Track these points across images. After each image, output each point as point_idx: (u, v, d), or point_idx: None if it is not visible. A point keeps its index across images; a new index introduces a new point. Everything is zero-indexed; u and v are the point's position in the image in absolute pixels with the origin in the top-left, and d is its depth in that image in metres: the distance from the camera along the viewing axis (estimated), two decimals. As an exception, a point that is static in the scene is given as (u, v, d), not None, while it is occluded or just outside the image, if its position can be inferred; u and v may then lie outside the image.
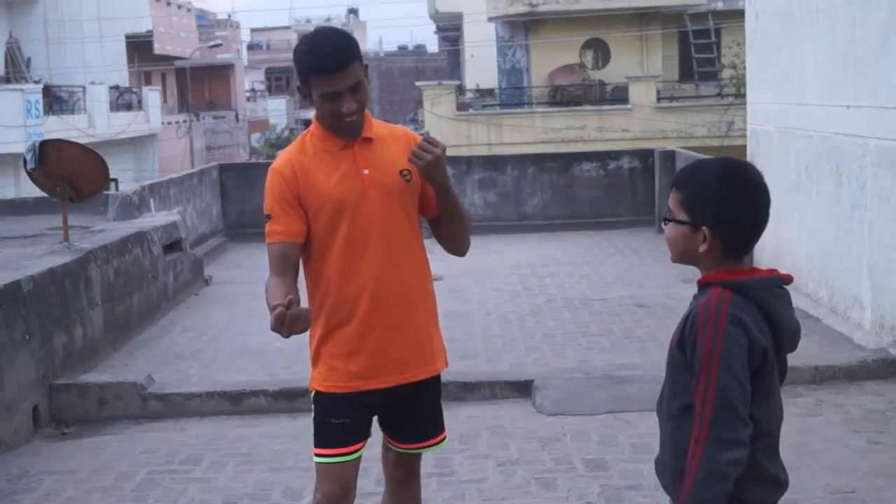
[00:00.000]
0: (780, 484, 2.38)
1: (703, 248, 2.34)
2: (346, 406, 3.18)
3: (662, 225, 2.45)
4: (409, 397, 3.24)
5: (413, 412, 3.28)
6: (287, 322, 2.73)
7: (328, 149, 3.17)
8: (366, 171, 3.15)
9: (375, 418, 3.32)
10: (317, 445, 3.23)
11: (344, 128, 3.13)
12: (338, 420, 3.18)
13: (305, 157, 3.18)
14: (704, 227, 2.33)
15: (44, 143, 8.11)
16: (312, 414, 3.26)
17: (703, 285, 2.38)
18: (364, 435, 3.26)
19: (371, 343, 3.15)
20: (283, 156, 3.24)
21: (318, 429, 3.23)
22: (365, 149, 3.18)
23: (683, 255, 2.41)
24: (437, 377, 3.33)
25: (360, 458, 3.25)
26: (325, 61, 3.05)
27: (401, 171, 3.19)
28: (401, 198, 3.19)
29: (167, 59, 41.09)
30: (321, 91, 3.07)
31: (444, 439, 3.40)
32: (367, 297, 3.13)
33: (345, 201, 3.12)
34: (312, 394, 3.26)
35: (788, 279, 2.40)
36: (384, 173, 3.16)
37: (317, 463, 3.24)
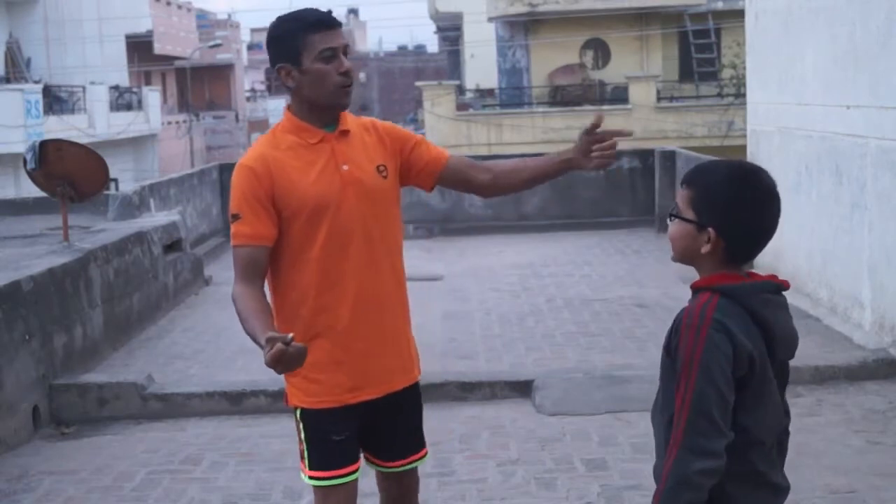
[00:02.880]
0: (781, 490, 2.35)
1: (705, 248, 2.30)
2: (342, 421, 2.96)
3: (668, 221, 2.40)
4: (391, 409, 3.04)
5: (394, 425, 3.08)
6: (285, 361, 2.53)
7: (303, 142, 2.94)
8: (345, 167, 2.93)
9: None
10: (314, 468, 2.97)
11: (342, 97, 2.92)
12: (339, 436, 2.95)
13: (279, 152, 2.92)
14: (710, 229, 2.28)
15: (44, 143, 8.10)
16: (303, 434, 3.00)
17: (696, 289, 2.34)
18: (357, 455, 3.05)
19: (356, 352, 2.95)
20: (253, 151, 2.97)
21: (314, 449, 2.98)
22: (342, 143, 2.96)
23: (685, 254, 2.37)
24: (416, 386, 3.13)
25: (358, 476, 3.04)
26: (322, 16, 2.88)
27: (377, 167, 3.00)
28: (379, 194, 2.99)
29: (167, 59, 41.10)
30: (320, 48, 2.86)
31: (425, 454, 3.20)
32: (349, 304, 2.92)
33: (325, 201, 2.89)
34: (297, 412, 3.01)
35: (785, 285, 2.36)
36: (362, 169, 2.96)
37: (317, 487, 2.98)
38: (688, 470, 2.16)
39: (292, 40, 2.88)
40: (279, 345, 2.50)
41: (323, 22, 2.88)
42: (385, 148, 3.06)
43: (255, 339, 2.73)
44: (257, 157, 2.92)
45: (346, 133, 2.99)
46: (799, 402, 5.89)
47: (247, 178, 2.90)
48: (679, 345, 2.23)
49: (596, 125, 3.08)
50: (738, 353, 2.21)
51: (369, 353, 2.97)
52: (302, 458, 3.03)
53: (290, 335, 2.54)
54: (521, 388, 6.31)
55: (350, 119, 3.04)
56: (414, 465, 3.17)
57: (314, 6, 2.98)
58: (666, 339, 2.30)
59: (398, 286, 3.06)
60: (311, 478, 3.00)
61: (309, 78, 2.89)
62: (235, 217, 2.91)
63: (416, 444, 3.16)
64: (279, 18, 2.96)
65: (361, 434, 3.07)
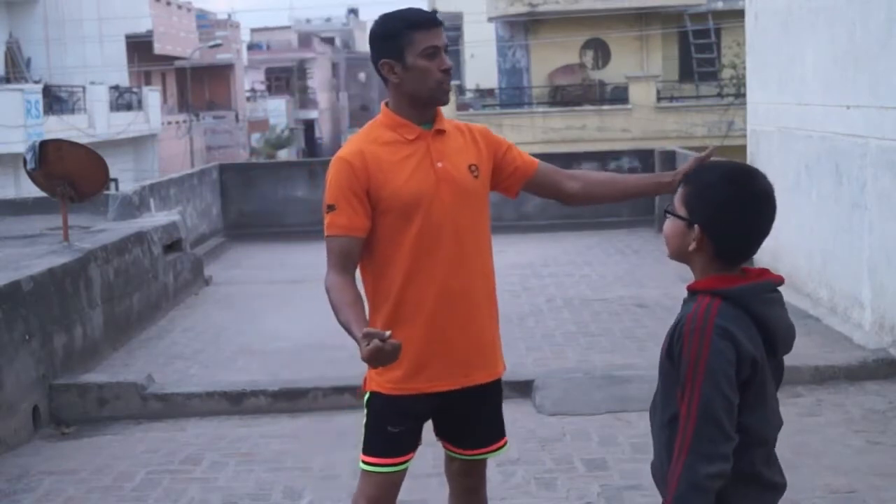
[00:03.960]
0: (778, 488, 2.37)
1: (692, 246, 2.33)
2: (405, 412, 3.05)
3: (665, 216, 2.42)
4: (471, 401, 3.10)
5: (474, 417, 3.14)
6: (381, 357, 2.62)
7: (400, 138, 3.03)
8: (439, 164, 3.02)
9: (429, 428, 3.18)
10: (367, 452, 3.09)
11: (441, 94, 3.02)
12: (394, 428, 3.05)
13: (376, 147, 3.02)
14: (696, 227, 2.31)
15: (44, 143, 8.10)
16: (365, 418, 3.11)
17: (692, 292, 2.36)
18: (416, 444, 3.13)
19: (437, 344, 3.02)
20: (351, 145, 3.06)
21: (370, 435, 3.09)
22: (438, 140, 3.05)
23: (677, 252, 2.40)
24: (499, 381, 3.21)
25: (408, 466, 3.13)
26: (425, 15, 3.00)
27: (469, 166, 3.08)
28: (471, 193, 3.07)
29: (167, 59, 41.08)
30: (424, 45, 2.95)
31: (505, 444, 3.25)
32: (434, 296, 3.00)
33: (419, 196, 2.98)
34: (367, 395, 3.10)
35: (780, 281, 2.37)
36: (456, 168, 3.05)
37: (363, 470, 3.11)
38: (698, 475, 2.19)
39: (397, 37, 2.97)
40: (376, 341, 2.59)
41: (427, 21, 2.99)
42: (479, 149, 3.14)
43: (348, 331, 2.82)
44: (355, 152, 3.01)
45: (441, 132, 3.08)
46: (799, 402, 5.89)
47: (344, 171, 2.98)
48: (682, 351, 2.24)
49: (710, 156, 3.07)
50: (741, 358, 2.23)
51: (451, 345, 3.03)
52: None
53: (388, 332, 2.63)
54: (521, 388, 6.30)
55: (445, 120, 3.13)
56: (492, 454, 3.22)
57: (413, 7, 3.08)
58: (666, 342, 2.31)
59: (486, 283, 3.13)
60: (361, 461, 3.11)
61: (412, 74, 2.98)
62: (331, 208, 2.99)
63: (495, 434, 3.21)
64: (384, 16, 3.06)
65: (437, 423, 3.17)
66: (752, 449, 2.28)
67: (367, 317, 3.00)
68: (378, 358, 2.62)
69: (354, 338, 2.74)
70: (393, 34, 2.98)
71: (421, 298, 3.00)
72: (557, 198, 3.33)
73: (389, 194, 2.97)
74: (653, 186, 3.25)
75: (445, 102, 3.06)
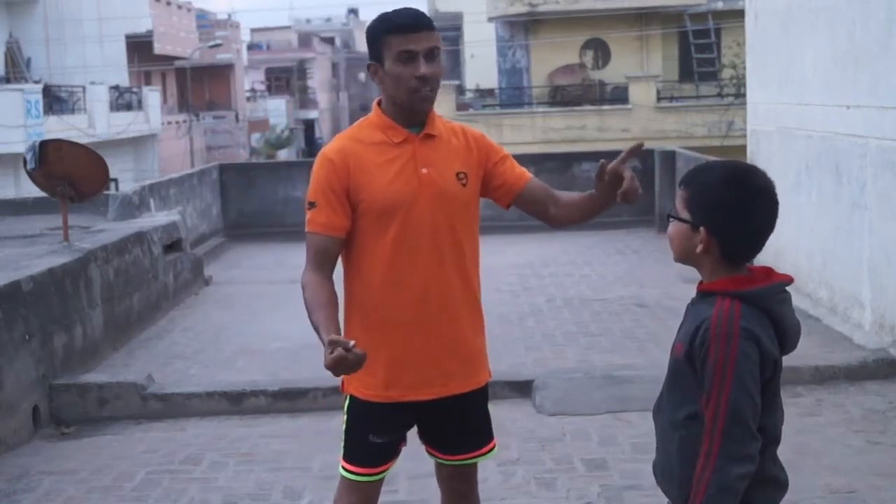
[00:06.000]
0: (782, 485, 2.39)
1: (699, 248, 2.34)
2: (385, 421, 3.02)
3: (668, 221, 2.43)
4: (452, 410, 3.05)
5: (457, 423, 3.09)
6: (345, 366, 2.58)
7: (387, 140, 2.96)
8: (424, 171, 2.95)
9: (415, 432, 3.15)
10: (347, 459, 3.07)
11: (417, 102, 2.92)
12: (377, 439, 3.02)
13: (360, 147, 2.96)
14: (702, 229, 2.32)
15: (44, 143, 8.10)
16: (344, 424, 3.07)
17: (705, 293, 2.36)
18: (396, 452, 3.10)
19: (415, 351, 2.97)
20: (335, 142, 3.01)
21: (349, 442, 3.06)
22: (426, 146, 2.98)
23: (683, 255, 2.40)
24: (484, 388, 3.14)
25: (387, 473, 3.11)
26: (404, 18, 2.90)
27: (457, 174, 3.01)
28: (455, 201, 2.99)
29: (167, 59, 41.09)
30: (397, 50, 2.86)
31: (493, 447, 3.19)
32: (412, 303, 2.95)
33: (399, 200, 2.92)
34: (346, 399, 3.07)
35: (789, 280, 2.39)
36: (442, 174, 2.97)
37: (343, 477, 3.09)
38: (729, 477, 2.21)
39: (377, 40, 2.93)
40: (340, 350, 2.56)
41: (405, 25, 2.89)
42: (471, 155, 3.07)
43: (317, 333, 2.79)
44: (337, 150, 2.97)
45: (430, 137, 3.00)
46: (799, 402, 5.89)
47: (325, 169, 2.95)
48: (708, 354, 2.25)
49: (602, 170, 2.96)
50: (765, 359, 2.27)
51: (428, 354, 2.99)
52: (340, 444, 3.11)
53: (352, 342, 2.59)
54: (521, 388, 6.30)
55: (439, 123, 3.05)
56: (480, 459, 3.17)
57: (405, 8, 2.99)
58: (686, 344, 2.31)
59: (467, 292, 3.05)
60: (341, 467, 3.08)
61: (388, 79, 2.92)
62: (312, 205, 2.96)
63: (481, 440, 3.16)
64: (377, 17, 3.00)
65: (421, 429, 3.13)
66: (765, 448, 2.30)
67: (343, 319, 2.97)
68: (341, 367, 2.58)
69: (322, 341, 2.71)
70: (375, 36, 2.93)
71: (398, 304, 2.96)
72: (543, 218, 3.25)
73: (369, 196, 2.92)
74: (589, 201, 3.09)
75: (423, 110, 2.97)
